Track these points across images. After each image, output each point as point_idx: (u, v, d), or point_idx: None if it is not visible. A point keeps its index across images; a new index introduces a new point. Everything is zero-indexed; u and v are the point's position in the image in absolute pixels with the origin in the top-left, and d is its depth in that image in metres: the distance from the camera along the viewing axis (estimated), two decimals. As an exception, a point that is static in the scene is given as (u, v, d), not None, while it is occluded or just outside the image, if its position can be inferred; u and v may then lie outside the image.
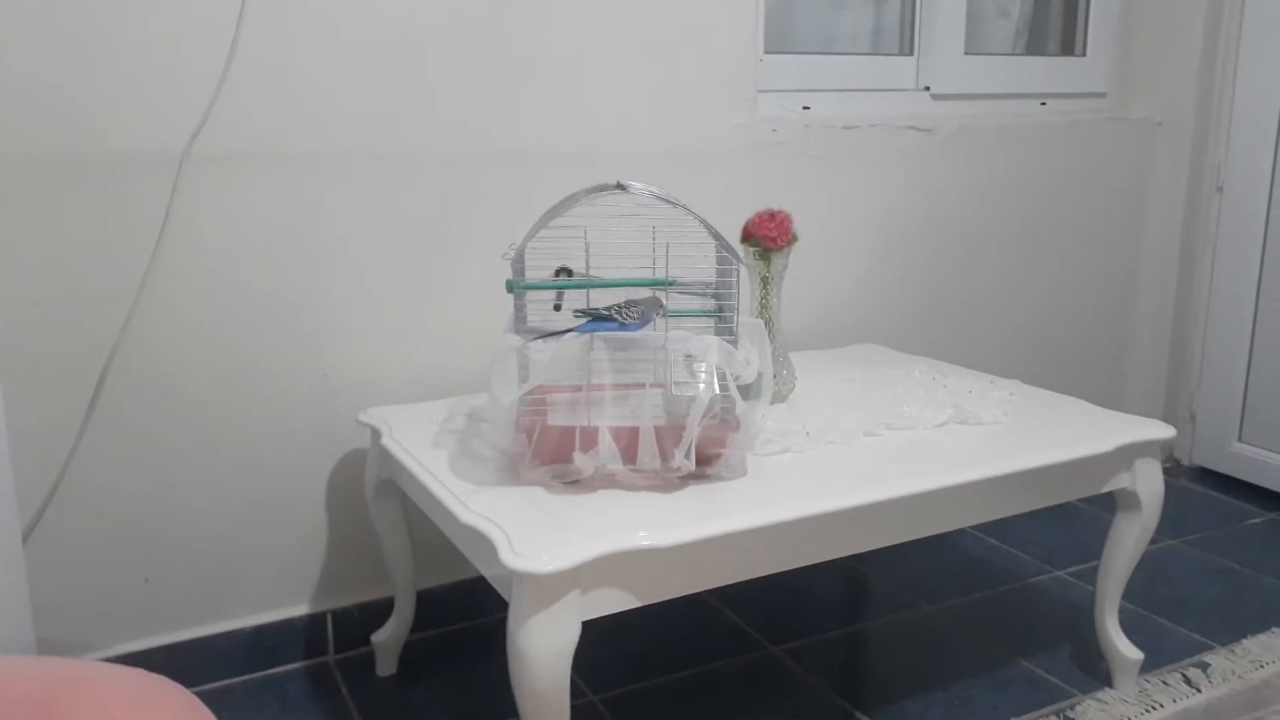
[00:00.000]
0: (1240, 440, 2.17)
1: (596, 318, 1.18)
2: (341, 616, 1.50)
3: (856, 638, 1.55)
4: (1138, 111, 2.20)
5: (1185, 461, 2.28)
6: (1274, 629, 1.56)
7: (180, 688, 0.55)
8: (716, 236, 1.26)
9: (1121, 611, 1.59)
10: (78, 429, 1.31)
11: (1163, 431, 1.33)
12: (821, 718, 1.34)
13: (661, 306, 1.21)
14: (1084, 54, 2.21)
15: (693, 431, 1.10)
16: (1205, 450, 2.24)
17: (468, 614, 1.58)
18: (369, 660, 1.46)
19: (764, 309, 1.45)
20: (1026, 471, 1.21)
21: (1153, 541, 1.89)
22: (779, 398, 1.43)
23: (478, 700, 1.38)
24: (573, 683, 1.39)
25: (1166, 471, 2.24)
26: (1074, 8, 2.22)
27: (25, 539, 1.29)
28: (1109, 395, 2.25)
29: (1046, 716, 1.33)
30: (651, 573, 1.01)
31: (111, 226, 1.28)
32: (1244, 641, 1.52)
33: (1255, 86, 2.08)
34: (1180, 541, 1.91)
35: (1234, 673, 1.43)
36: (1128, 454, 1.31)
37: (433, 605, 1.54)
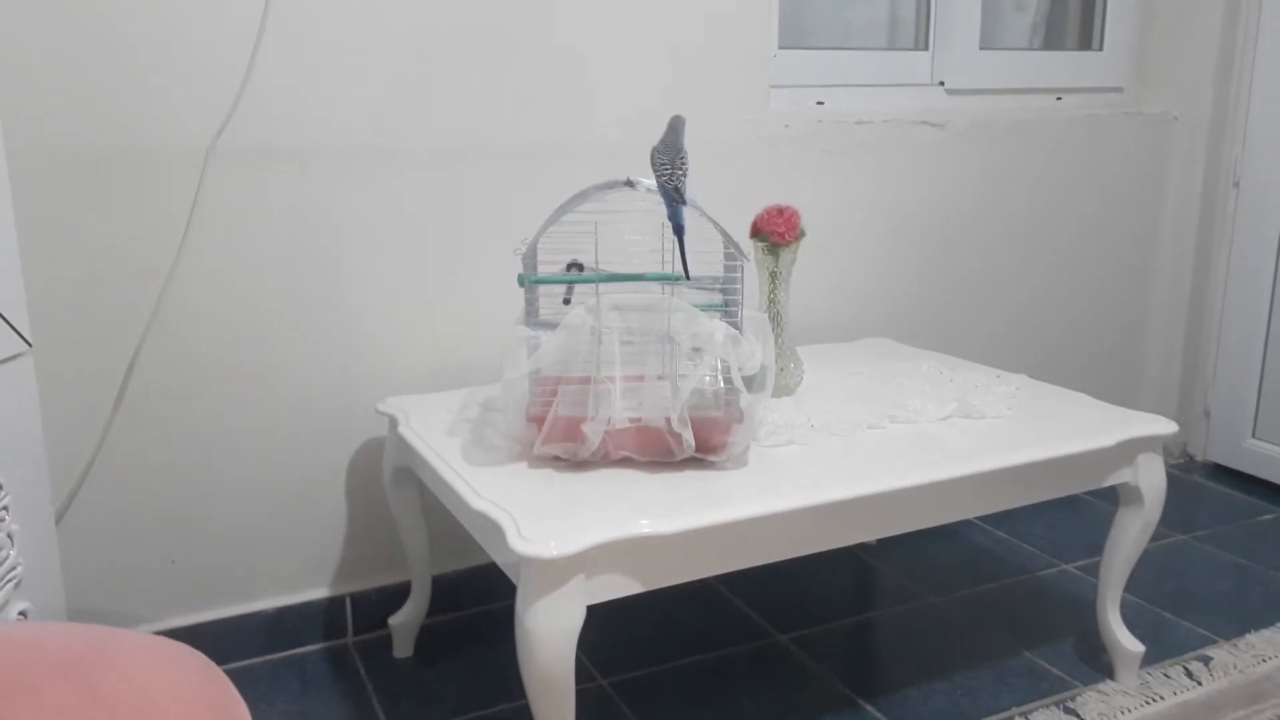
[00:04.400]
0: (1254, 436, 2.17)
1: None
2: (360, 600, 1.55)
3: (863, 627, 1.58)
4: (1155, 106, 2.19)
5: (1199, 457, 2.28)
6: (1278, 624, 1.57)
7: (201, 656, 0.59)
8: (722, 232, 1.28)
9: (1127, 605, 1.61)
10: (107, 417, 1.36)
11: (1165, 427, 1.34)
12: (826, 705, 1.37)
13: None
14: (1101, 48, 2.21)
15: (685, 392, 1.13)
16: (1219, 446, 2.24)
17: (481, 598, 1.62)
18: (386, 642, 1.51)
19: (772, 303, 1.48)
20: (1027, 465, 1.23)
21: (1163, 536, 1.91)
22: (785, 390, 1.46)
23: (490, 682, 1.42)
24: (582, 666, 1.44)
25: (1180, 467, 2.26)
26: (1091, 2, 2.22)
27: (58, 520, 1.34)
28: (1123, 390, 2.25)
29: (1048, 707, 1.35)
30: (654, 559, 1.04)
31: (140, 220, 1.33)
32: (1248, 636, 1.53)
33: (1273, 81, 2.07)
34: (1190, 537, 1.91)
35: (1235, 666, 1.44)
36: (1130, 449, 1.32)
37: (448, 589, 1.59)
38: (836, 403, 1.41)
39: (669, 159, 1.20)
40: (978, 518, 1.97)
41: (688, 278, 1.21)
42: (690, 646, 1.51)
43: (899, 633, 1.57)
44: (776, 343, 1.46)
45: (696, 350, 1.22)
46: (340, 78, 1.41)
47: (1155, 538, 1.89)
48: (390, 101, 1.44)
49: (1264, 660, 1.46)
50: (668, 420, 1.16)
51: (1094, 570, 1.74)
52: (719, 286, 1.30)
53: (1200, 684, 1.40)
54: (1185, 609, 1.63)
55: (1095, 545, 1.85)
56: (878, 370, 1.58)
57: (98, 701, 0.46)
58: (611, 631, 1.54)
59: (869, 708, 1.35)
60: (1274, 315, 2.11)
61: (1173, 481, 2.19)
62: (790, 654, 1.50)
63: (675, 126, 1.25)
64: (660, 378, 1.19)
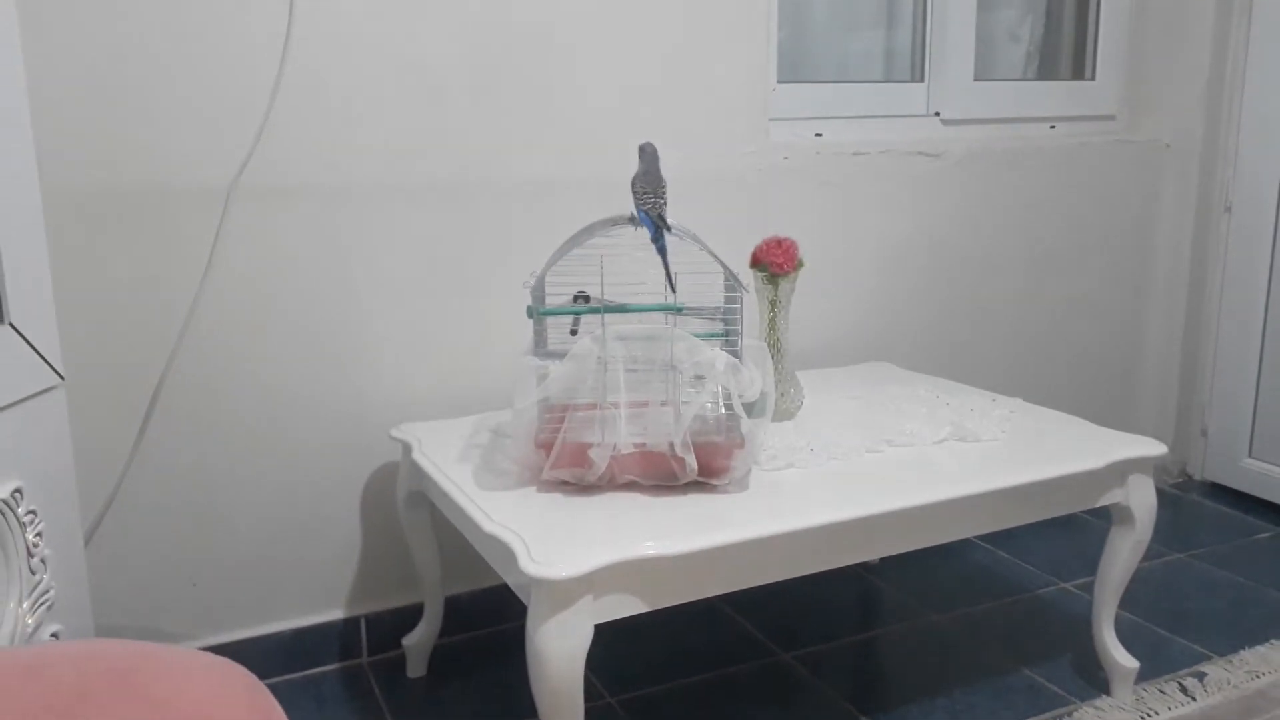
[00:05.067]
0: (1250, 456, 2.20)
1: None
2: (374, 621, 1.59)
3: (865, 645, 1.62)
4: (1146, 133, 2.25)
5: (1197, 476, 2.32)
6: (1273, 641, 1.60)
7: (243, 668, 0.64)
8: (722, 264, 1.34)
9: (1125, 623, 1.64)
10: (133, 444, 1.41)
11: (1154, 449, 1.38)
12: (827, 721, 1.40)
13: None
14: (1093, 78, 2.27)
15: (688, 419, 1.17)
16: (1216, 466, 2.27)
17: (493, 619, 1.67)
18: (400, 662, 1.55)
19: (772, 330, 1.53)
20: (1019, 487, 1.28)
21: (1160, 555, 1.94)
22: (786, 415, 1.51)
23: (502, 700, 1.46)
24: (591, 685, 1.48)
25: (1179, 487, 2.29)
26: (1083, 32, 2.28)
27: (86, 543, 1.40)
28: (1121, 412, 2.29)
29: (1044, 722, 1.38)
30: (659, 579, 1.08)
31: (164, 256, 1.39)
32: (1242, 653, 1.56)
33: (1262, 106, 2.12)
34: (1188, 555, 1.95)
35: (1230, 682, 1.47)
36: (1120, 470, 1.36)
37: (461, 610, 1.63)
38: (835, 427, 1.46)
39: (650, 187, 1.26)
40: (978, 537, 2.01)
41: (673, 290, 1.26)
42: (696, 665, 1.55)
43: (901, 650, 1.60)
44: (776, 369, 1.51)
45: (698, 378, 1.27)
46: (354, 118, 1.47)
47: (1153, 556, 1.93)
48: (403, 139, 1.51)
49: (1258, 676, 1.49)
50: (671, 445, 1.21)
51: (1092, 589, 1.77)
52: (720, 316, 1.36)
53: (1194, 699, 1.43)
54: (1181, 626, 1.66)
55: (1094, 564, 1.86)
56: (876, 394, 1.62)
57: (156, 709, 0.51)
58: (620, 651, 1.58)
59: (870, 725, 1.39)
60: (1267, 336, 2.16)
61: (1171, 501, 2.23)
62: (794, 672, 1.53)
63: (651, 154, 1.31)
64: (664, 404, 1.24)
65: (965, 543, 1.99)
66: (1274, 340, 2.14)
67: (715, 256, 1.36)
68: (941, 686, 1.48)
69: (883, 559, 1.91)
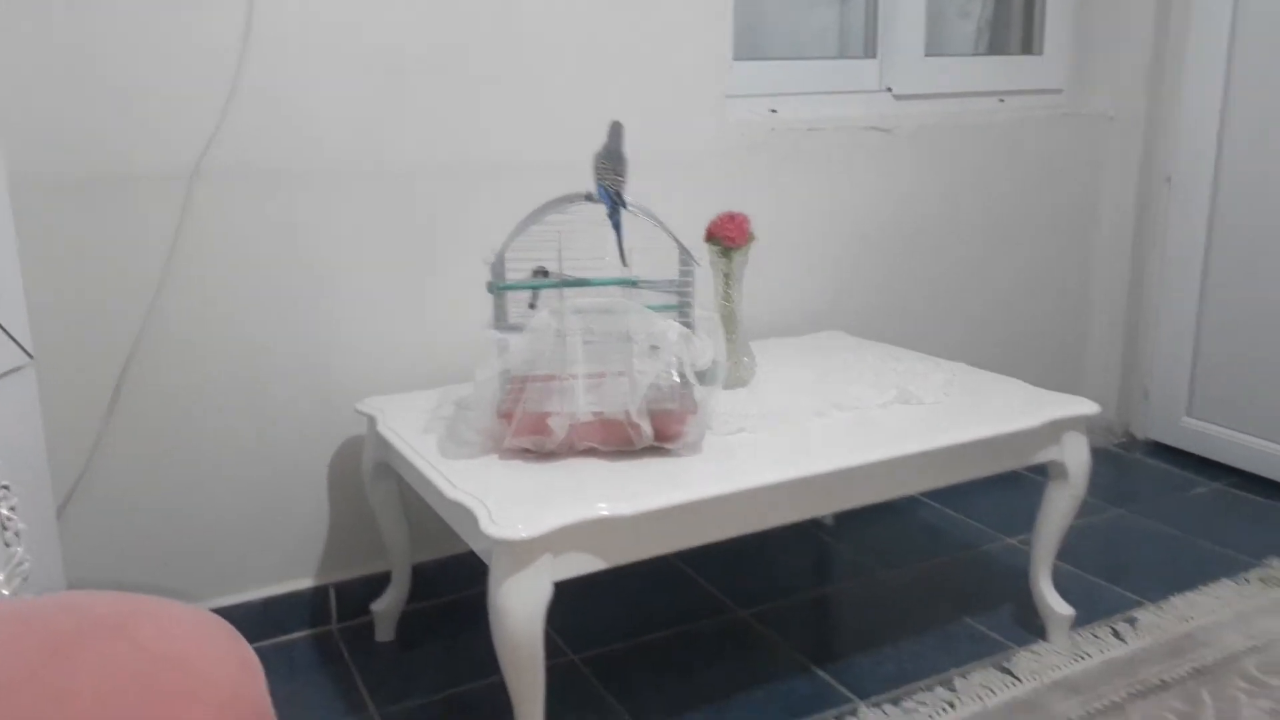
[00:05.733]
0: (1189, 415, 2.30)
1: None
2: (343, 589, 1.64)
3: (819, 601, 1.69)
4: (1092, 107, 2.32)
5: (1140, 436, 2.41)
6: (1201, 587, 1.69)
7: (222, 619, 0.69)
8: (675, 239, 1.39)
9: (1065, 574, 1.73)
10: (102, 420, 1.44)
11: (1087, 408, 1.46)
12: (783, 672, 1.47)
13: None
14: (1041, 53, 2.33)
15: (643, 387, 1.23)
16: (1157, 425, 2.37)
17: (460, 585, 1.72)
18: (369, 628, 1.60)
19: (726, 302, 1.58)
20: (957, 445, 1.34)
21: (1101, 510, 2.03)
22: (739, 382, 1.57)
23: (469, 661, 1.52)
24: (554, 643, 1.55)
25: (1122, 446, 2.39)
26: (1031, 8, 2.34)
27: (59, 516, 1.43)
28: (1067, 376, 2.38)
29: (985, 667, 1.46)
30: (615, 539, 1.14)
31: (130, 236, 1.41)
32: (1173, 599, 1.65)
33: (1200, 82, 2.20)
34: (1128, 510, 2.04)
35: (1159, 626, 1.56)
36: (1055, 428, 1.44)
37: (428, 578, 1.68)
38: (787, 393, 1.52)
39: (611, 165, 1.31)
40: (928, 497, 2.09)
41: (625, 264, 1.31)
42: (658, 623, 1.62)
43: (852, 605, 1.68)
44: (730, 339, 1.57)
45: (653, 348, 1.32)
46: (318, 98, 1.50)
47: (1094, 511, 2.02)
48: (367, 119, 1.54)
49: (1186, 620, 1.58)
50: (627, 413, 1.26)
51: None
52: (674, 289, 1.41)
53: (1125, 642, 1.52)
54: (1118, 576, 1.75)
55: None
56: (827, 362, 1.69)
57: (142, 652, 0.56)
58: (584, 610, 1.64)
59: (822, 674, 1.46)
60: (1204, 302, 2.25)
61: (1115, 459, 2.33)
62: (750, 627, 1.60)
63: (616, 133, 1.36)
64: (620, 374, 1.30)
65: (915, 502, 2.07)
66: (1210, 306, 2.24)
67: (668, 231, 1.41)
68: (889, 637, 1.56)
69: (838, 521, 1.99)
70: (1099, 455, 2.34)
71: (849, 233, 2.03)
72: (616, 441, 1.29)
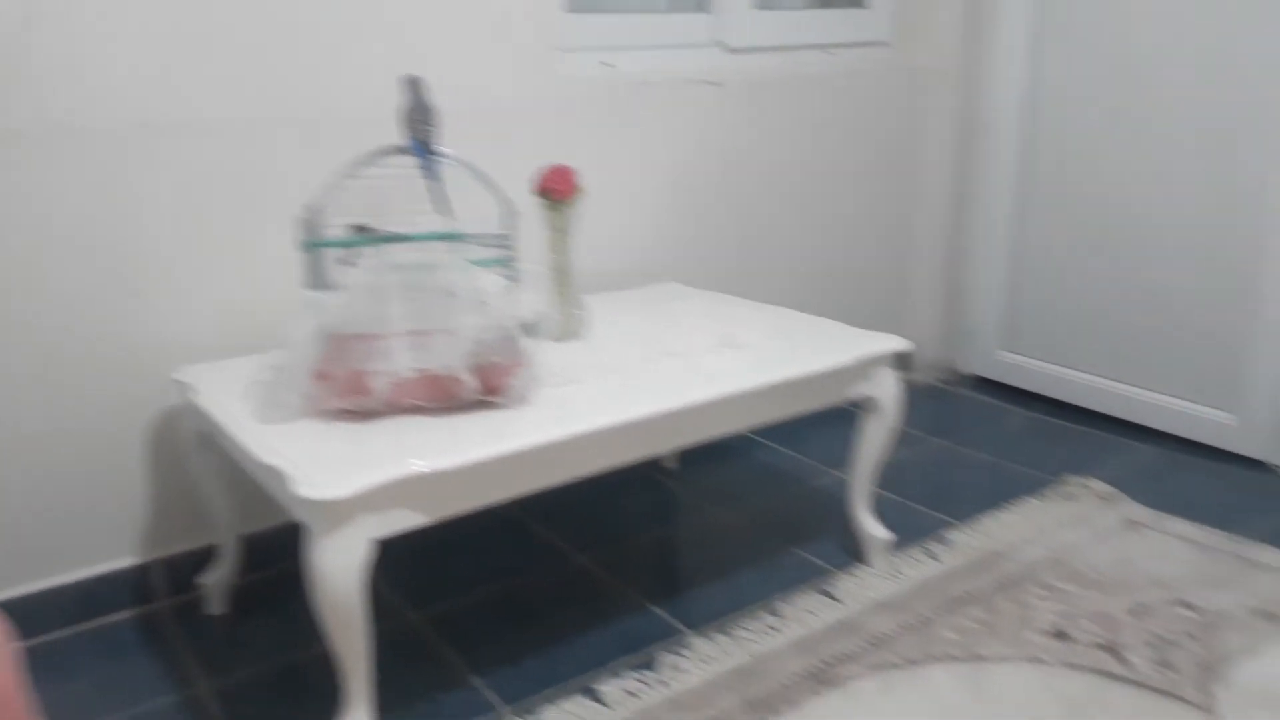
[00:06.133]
0: (1005, 350, 2.47)
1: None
2: (171, 564, 1.58)
3: (656, 542, 1.75)
4: (915, 59, 2.42)
5: (963, 371, 2.58)
6: (1008, 506, 1.84)
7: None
8: (497, 192, 1.39)
9: (887, 502, 1.85)
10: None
11: (896, 345, 1.55)
12: (618, 612, 1.52)
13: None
14: (867, 6, 2.41)
15: (466, 342, 1.23)
16: (978, 361, 2.54)
17: (290, 555, 1.68)
18: (199, 603, 1.56)
19: (556, 255, 1.59)
20: (773, 385, 1.41)
21: (924, 442, 2.17)
22: (571, 335, 1.58)
23: (302, 630, 1.49)
24: (393, 603, 1.54)
25: (947, 381, 2.55)
26: (857, -39, 2.41)
27: None
28: (894, 318, 2.51)
29: (808, 592, 1.55)
30: (435, 493, 1.15)
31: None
32: (983, 519, 1.79)
33: (1008, 35, 2.33)
34: (948, 441, 2.19)
35: (970, 545, 1.70)
36: (866, 365, 1.52)
37: (258, 548, 1.64)
38: (618, 343, 1.55)
39: (421, 116, 1.30)
40: (766, 437, 2.18)
41: (447, 217, 1.31)
42: (498, 575, 1.64)
43: (687, 544, 1.75)
44: (561, 292, 1.58)
45: (476, 303, 1.32)
46: (117, 55, 1.40)
47: (917, 443, 2.15)
48: (169, 71, 1.45)
49: (992, 537, 1.72)
50: (451, 369, 1.26)
51: (865, 476, 1.97)
52: (497, 243, 1.41)
53: (940, 561, 1.64)
54: (936, 502, 1.88)
55: (869, 455, 2.09)
56: (659, 312, 1.73)
57: None
58: (424, 568, 1.65)
59: (657, 610, 1.52)
60: (1017, 244, 2.41)
61: (939, 394, 2.48)
62: (589, 571, 1.65)
63: (417, 85, 1.34)
64: (442, 330, 1.29)
65: (754, 444, 2.16)
66: (1023, 248, 2.40)
67: (489, 183, 1.40)
68: (721, 572, 1.63)
69: (682, 465, 2.05)
70: (926, 391, 2.50)
71: (682, 185, 2.07)
72: (442, 398, 1.29)
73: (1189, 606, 1.50)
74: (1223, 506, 1.84)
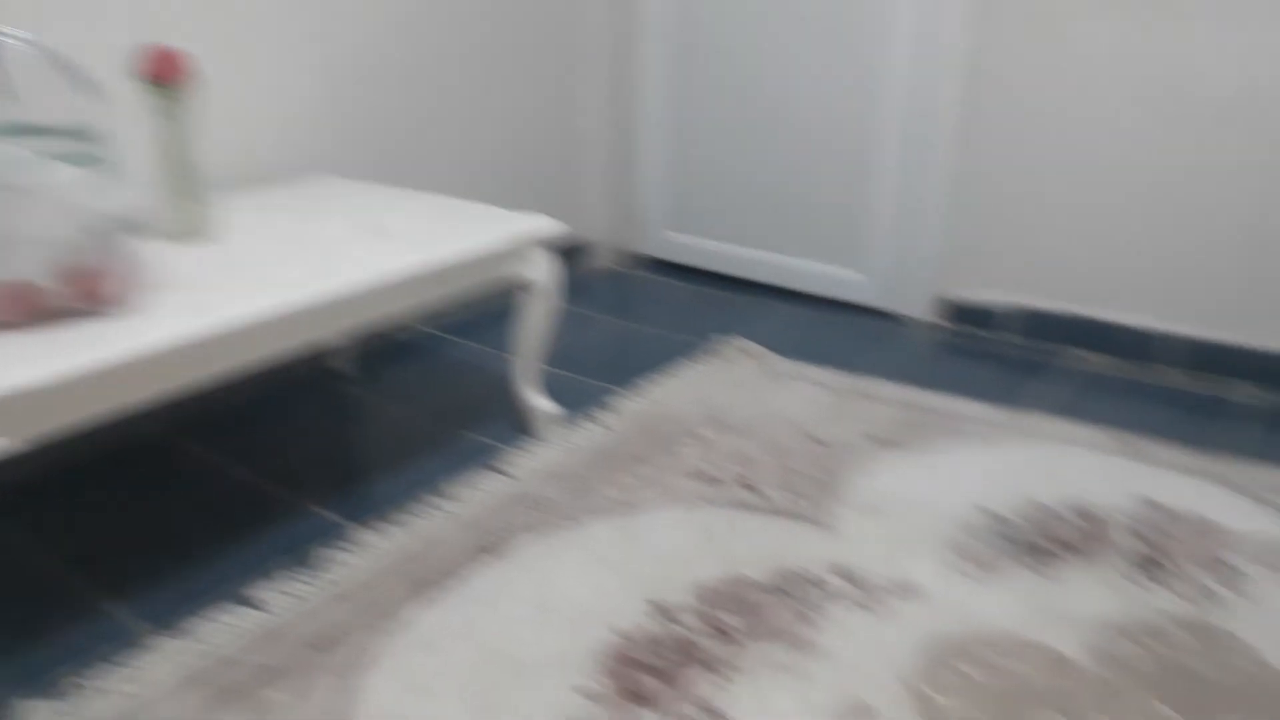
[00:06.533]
0: (672, 230, 2.63)
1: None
2: None
3: (322, 447, 1.70)
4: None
5: (638, 252, 2.71)
6: (668, 370, 1.99)
7: None
8: (76, 75, 1.22)
9: (561, 380, 1.92)
10: None
11: (544, 225, 1.58)
12: (283, 518, 1.47)
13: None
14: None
15: (45, 248, 1.10)
16: (649, 242, 2.68)
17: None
18: None
19: (171, 147, 1.44)
20: (426, 269, 1.39)
21: (597, 321, 2.27)
22: (195, 234, 1.46)
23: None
24: (34, 549, 1.38)
25: (624, 263, 2.67)
26: None
27: None
28: (570, 208, 2.57)
29: (481, 471, 1.59)
30: (21, 415, 1.02)
31: None
32: (645, 385, 1.92)
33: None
34: (619, 318, 2.31)
35: (633, 409, 1.81)
36: (518, 246, 1.55)
37: None
38: (252, 240, 1.45)
39: None
40: (449, 333, 2.17)
41: (15, 99, 1.14)
42: (141, 501, 1.52)
43: (357, 445, 1.72)
44: (178, 188, 1.44)
45: (56, 202, 1.17)
46: None
47: (590, 322, 2.25)
48: None
49: (653, 400, 1.85)
50: (28, 275, 1.11)
51: (544, 360, 2.03)
52: (78, 133, 1.24)
53: (606, 428, 1.75)
54: (607, 374, 1.99)
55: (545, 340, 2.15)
56: (305, 206, 1.63)
57: None
58: (74, 511, 1.49)
59: (322, 511, 1.49)
60: (676, 134, 2.53)
61: (616, 276, 2.60)
62: (250, 484, 1.57)
63: None
64: (12, 234, 1.13)
65: (440, 341, 2.15)
66: (681, 137, 2.53)
67: (61, 63, 1.22)
68: (399, 465, 1.63)
69: (362, 368, 1.99)
70: (604, 275, 2.60)
71: (338, 74, 1.94)
72: (28, 312, 1.14)
73: (817, 440, 1.71)
74: (851, 352, 2.11)
